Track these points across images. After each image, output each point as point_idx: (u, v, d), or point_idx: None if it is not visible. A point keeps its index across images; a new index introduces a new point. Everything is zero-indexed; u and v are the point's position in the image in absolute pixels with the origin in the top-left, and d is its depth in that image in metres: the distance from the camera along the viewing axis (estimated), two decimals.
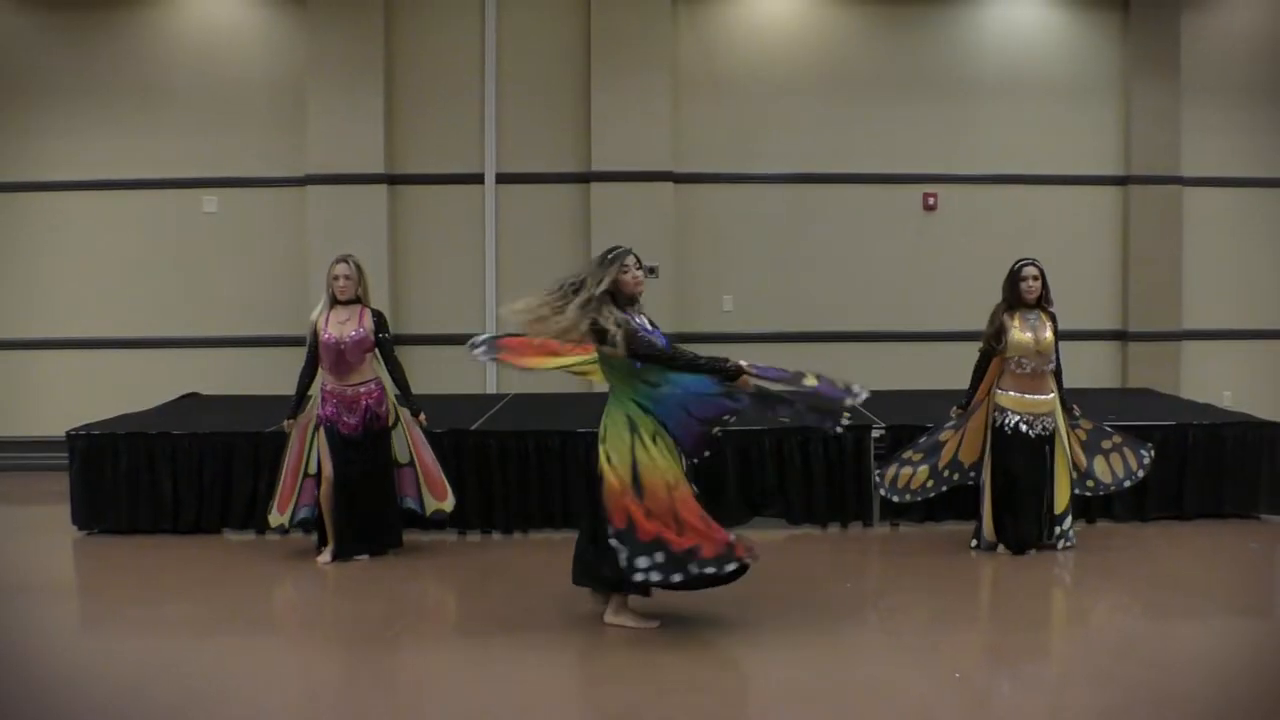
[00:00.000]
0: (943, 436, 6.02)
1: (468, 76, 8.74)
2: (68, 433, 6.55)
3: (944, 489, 6.09)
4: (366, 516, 5.78)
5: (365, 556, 5.79)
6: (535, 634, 4.63)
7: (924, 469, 6.01)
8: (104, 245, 8.77)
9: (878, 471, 6.15)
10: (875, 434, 6.55)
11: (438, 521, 6.08)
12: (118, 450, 6.44)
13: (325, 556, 5.76)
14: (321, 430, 5.77)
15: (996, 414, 5.81)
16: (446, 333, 8.41)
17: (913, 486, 6.03)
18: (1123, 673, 4.25)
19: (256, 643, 4.71)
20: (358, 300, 5.79)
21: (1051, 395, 5.82)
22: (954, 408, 6.00)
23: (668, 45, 8.69)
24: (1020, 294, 5.78)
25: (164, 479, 6.42)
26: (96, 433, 6.53)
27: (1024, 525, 5.79)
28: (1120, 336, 9.08)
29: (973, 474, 6.02)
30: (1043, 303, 5.82)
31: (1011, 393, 5.79)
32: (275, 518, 5.89)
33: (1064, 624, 4.92)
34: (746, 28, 8.90)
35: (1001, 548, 5.83)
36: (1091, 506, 6.49)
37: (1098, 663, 4.45)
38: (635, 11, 8.59)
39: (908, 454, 6.05)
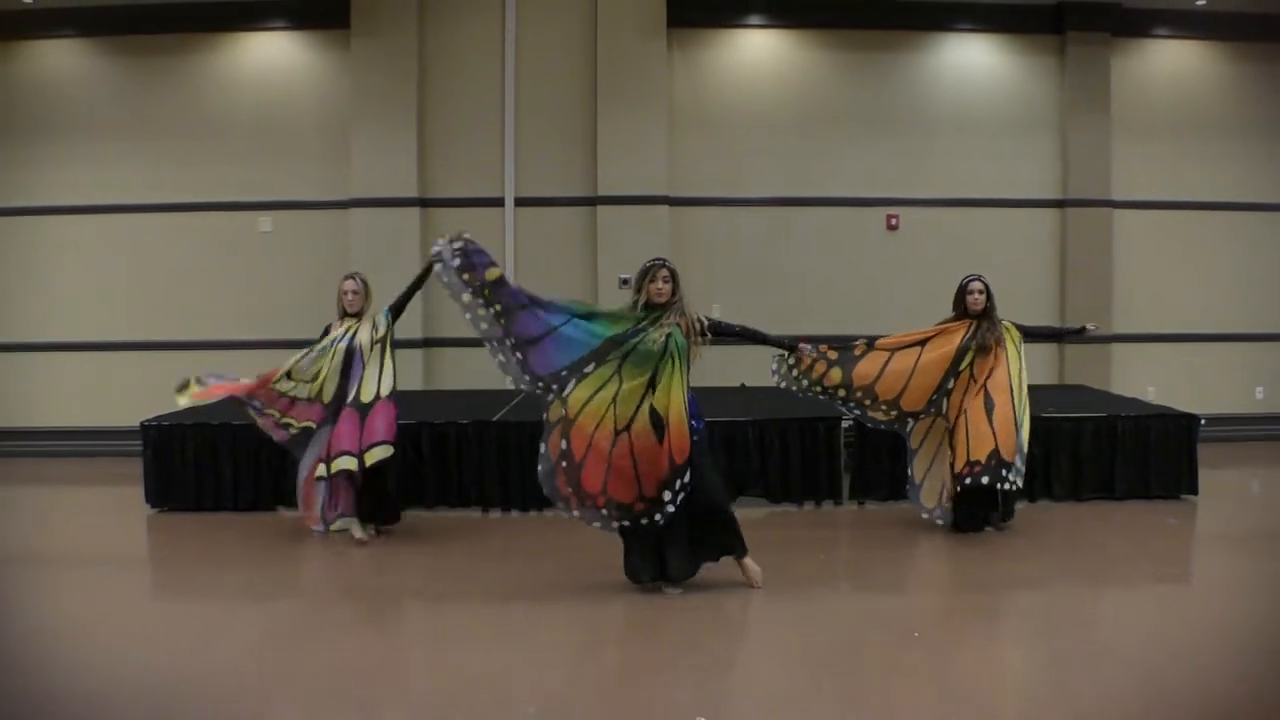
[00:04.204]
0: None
1: (490, 112, 8.75)
2: (142, 423, 6.57)
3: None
4: (381, 493, 5.72)
5: (371, 531, 5.74)
6: (549, 600, 4.65)
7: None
8: (172, 260, 8.79)
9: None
10: (845, 424, 6.55)
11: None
12: (185, 438, 6.47)
13: (362, 534, 5.70)
14: None
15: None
16: (474, 336, 8.34)
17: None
18: (1058, 630, 4.28)
19: (305, 606, 4.73)
20: (362, 313, 5.74)
21: None
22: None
23: (664, 85, 8.70)
24: (966, 305, 5.75)
25: (225, 463, 6.45)
26: (167, 423, 6.55)
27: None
28: None
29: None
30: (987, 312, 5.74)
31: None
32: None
33: (1007, 589, 4.93)
34: (732, 70, 8.92)
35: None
36: (1034, 487, 6.51)
37: (1037, 622, 4.48)
38: (636, 55, 8.62)
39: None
